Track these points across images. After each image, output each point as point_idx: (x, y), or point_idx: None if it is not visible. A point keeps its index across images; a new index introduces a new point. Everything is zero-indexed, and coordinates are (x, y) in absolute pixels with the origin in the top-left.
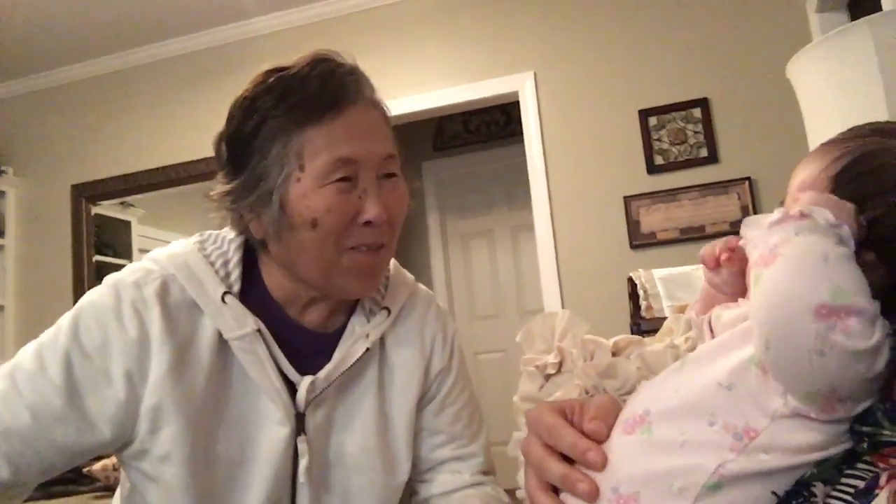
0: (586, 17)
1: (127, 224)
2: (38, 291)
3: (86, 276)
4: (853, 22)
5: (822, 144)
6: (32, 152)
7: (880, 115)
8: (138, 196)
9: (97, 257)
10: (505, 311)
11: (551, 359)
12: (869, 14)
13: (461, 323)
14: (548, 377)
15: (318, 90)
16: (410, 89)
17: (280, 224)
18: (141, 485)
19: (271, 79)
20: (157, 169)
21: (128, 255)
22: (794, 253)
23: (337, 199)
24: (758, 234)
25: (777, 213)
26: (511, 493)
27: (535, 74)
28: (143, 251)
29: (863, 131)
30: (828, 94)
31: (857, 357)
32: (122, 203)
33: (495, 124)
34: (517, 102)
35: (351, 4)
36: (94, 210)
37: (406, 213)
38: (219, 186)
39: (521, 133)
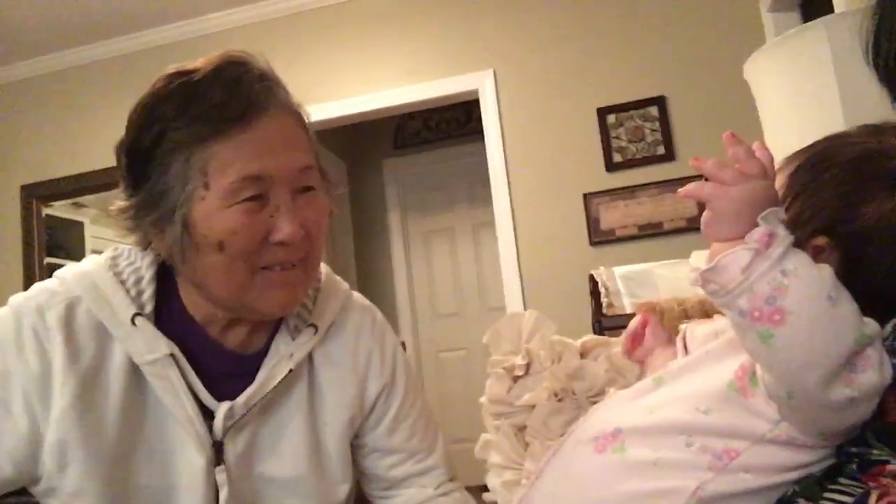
0: (545, 16)
1: (79, 225)
2: None
3: (37, 279)
4: (809, 23)
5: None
6: None
7: (835, 116)
8: (91, 196)
9: (49, 259)
10: (467, 308)
11: (519, 360)
12: (820, 15)
13: (423, 321)
14: (516, 379)
15: (223, 100)
16: (369, 87)
17: (184, 244)
18: None
19: (173, 84)
20: (110, 168)
21: (80, 256)
22: (802, 310)
23: (244, 221)
24: (731, 282)
25: (746, 253)
26: (474, 490)
27: (494, 72)
28: (97, 252)
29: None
30: (784, 95)
31: (882, 386)
32: (74, 203)
33: (456, 122)
34: (477, 100)
35: (309, 0)
36: (45, 211)
37: (327, 226)
38: (118, 200)
39: (482, 131)
